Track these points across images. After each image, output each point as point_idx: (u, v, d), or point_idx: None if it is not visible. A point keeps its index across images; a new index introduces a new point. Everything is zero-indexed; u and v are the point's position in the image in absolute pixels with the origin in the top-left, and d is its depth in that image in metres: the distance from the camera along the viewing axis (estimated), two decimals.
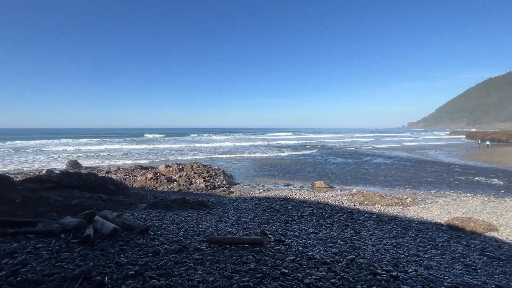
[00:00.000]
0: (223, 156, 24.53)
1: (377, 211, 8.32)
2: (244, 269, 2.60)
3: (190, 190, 11.11)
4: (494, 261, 3.90)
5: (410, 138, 61.56)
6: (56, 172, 12.13)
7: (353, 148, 33.99)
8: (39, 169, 16.09)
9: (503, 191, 11.66)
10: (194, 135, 68.66)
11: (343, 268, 2.74)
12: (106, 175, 13.57)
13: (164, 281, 2.32)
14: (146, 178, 12.02)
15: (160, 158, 23.06)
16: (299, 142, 45.68)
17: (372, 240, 4.53)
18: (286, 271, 2.60)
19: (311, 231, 4.77)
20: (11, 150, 26.76)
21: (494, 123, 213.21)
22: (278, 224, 5.28)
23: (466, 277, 2.94)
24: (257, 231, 4.33)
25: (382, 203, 9.58)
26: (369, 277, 2.57)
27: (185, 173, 13.22)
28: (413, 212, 8.48)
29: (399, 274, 2.66)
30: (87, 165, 18.00)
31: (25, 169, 16.32)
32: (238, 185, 12.65)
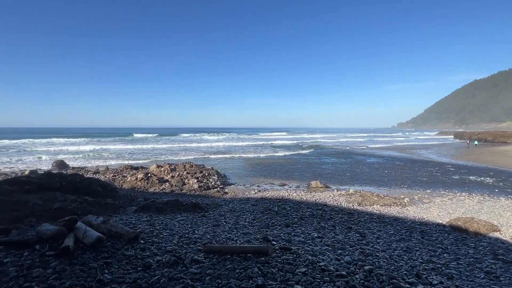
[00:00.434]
0: (216, 156, 24.04)
1: (377, 212, 8.11)
2: (251, 286, 2.24)
3: (183, 191, 10.65)
4: (511, 266, 3.70)
5: (402, 138, 62.48)
6: (40, 173, 11.42)
7: (348, 148, 34.05)
8: (22, 169, 15.22)
9: (497, 190, 11.72)
10: (186, 134, 67.51)
11: (362, 281, 2.43)
12: (94, 175, 12.92)
13: None
14: (136, 179, 11.47)
15: (150, 158, 22.39)
16: (293, 142, 45.51)
17: (381, 244, 4.26)
18: (299, 287, 2.27)
19: (315, 235, 4.45)
20: None
21: (479, 123, 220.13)
22: (279, 227, 4.94)
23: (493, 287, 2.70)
24: (258, 236, 3.98)
25: (381, 203, 9.41)
26: None
27: (177, 173, 12.72)
28: (413, 212, 8.32)
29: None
30: (74, 165, 17.20)
31: (6, 169, 15.41)
32: (232, 186, 12.27)
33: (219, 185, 11.61)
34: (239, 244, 3.43)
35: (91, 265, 2.43)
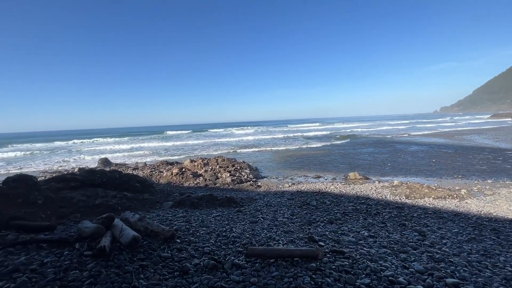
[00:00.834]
0: (246, 150, 23.94)
1: (431, 206, 7.18)
2: None
3: (217, 185, 10.62)
4: None
5: (451, 123, 55.88)
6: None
7: (389, 137, 31.52)
8: (73, 168, 16.63)
9: None
10: (215, 130, 68.96)
11: None
12: (134, 171, 13.59)
13: None
14: (172, 174, 11.75)
15: (184, 154, 23.08)
16: (326, 132, 43.60)
17: (448, 246, 3.58)
18: None
19: (366, 234, 3.91)
20: (45, 151, 28.43)
21: None
22: (322, 224, 4.48)
23: None
24: (301, 235, 3.58)
25: (433, 196, 8.37)
26: None
27: (210, 167, 12.79)
28: (475, 206, 7.20)
29: None
30: (116, 162, 18.37)
31: (59, 168, 16.97)
32: (265, 179, 11.97)
33: (251, 179, 11.39)
34: (282, 245, 3.07)
35: (126, 268, 2.26)
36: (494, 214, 6.33)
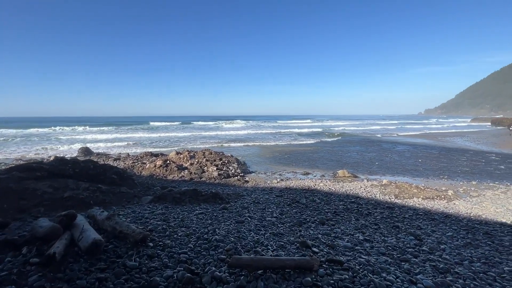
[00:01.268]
0: (235, 144, 23.45)
1: (421, 207, 7.07)
2: None
3: (202, 179, 10.14)
4: None
5: (437, 126, 57.20)
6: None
7: (379, 136, 31.83)
8: (50, 156, 15.56)
9: None
10: (203, 122, 67.63)
11: None
12: (115, 162, 12.83)
13: None
14: (155, 166, 11.14)
15: (170, 146, 22.30)
16: (316, 129, 43.60)
17: (447, 252, 3.35)
18: None
19: (361, 237, 3.62)
20: (21, 138, 26.75)
21: None
22: (313, 225, 4.16)
23: None
24: (292, 238, 3.23)
25: (422, 196, 8.31)
26: None
27: (196, 160, 12.26)
28: (463, 208, 7.16)
29: None
30: (98, 152, 17.41)
31: (35, 156, 15.84)
32: (253, 174, 11.60)
33: (239, 173, 10.98)
34: (272, 251, 2.69)
35: (78, 283, 1.81)
36: (483, 216, 6.27)
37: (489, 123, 59.08)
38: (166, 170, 10.83)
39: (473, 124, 66.40)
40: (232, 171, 11.14)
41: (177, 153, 13.15)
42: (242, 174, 10.97)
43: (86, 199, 5.02)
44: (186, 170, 10.96)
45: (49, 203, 4.68)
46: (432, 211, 6.53)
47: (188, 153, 13.04)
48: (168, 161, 11.69)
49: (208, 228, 3.30)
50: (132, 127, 47.96)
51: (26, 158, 14.60)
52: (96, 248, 2.26)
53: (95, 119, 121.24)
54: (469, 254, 3.34)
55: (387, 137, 30.19)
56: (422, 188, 9.22)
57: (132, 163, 12.34)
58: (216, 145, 22.81)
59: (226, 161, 12.55)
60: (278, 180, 10.19)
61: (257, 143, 23.84)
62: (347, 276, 2.18)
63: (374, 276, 2.22)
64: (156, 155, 14.71)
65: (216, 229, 3.25)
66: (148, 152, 15.53)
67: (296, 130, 41.01)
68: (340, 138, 29.53)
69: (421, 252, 3.23)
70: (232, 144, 23.17)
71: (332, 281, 2.08)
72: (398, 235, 4.08)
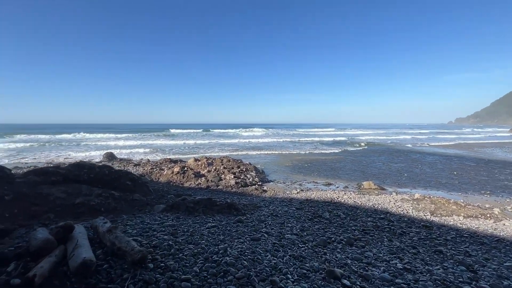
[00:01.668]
0: (254, 152, 23.12)
1: (464, 227, 6.17)
2: None
3: (219, 187, 9.84)
4: None
5: (474, 135, 52.21)
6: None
7: (410, 146, 29.81)
8: (77, 160, 16.20)
9: None
10: (223, 130, 68.44)
11: None
12: (135, 167, 13.00)
13: None
14: (172, 172, 11.06)
15: (189, 152, 22.50)
16: (339, 138, 42.16)
17: None
18: None
19: (399, 265, 3.02)
20: (52, 144, 28.44)
21: None
22: (340, 246, 3.60)
23: None
24: (316, 264, 2.74)
25: (463, 214, 7.33)
26: None
27: (214, 167, 12.04)
28: None
29: None
30: (122, 158, 17.91)
31: (65, 160, 16.58)
32: (271, 183, 11.11)
33: (257, 182, 10.56)
34: (292, 282, 2.22)
35: None
36: None
37: None
38: (183, 177, 10.69)
39: (510, 134, 60.76)
40: (250, 180, 10.74)
41: (195, 160, 13.05)
42: (260, 183, 10.53)
43: (97, 206, 4.86)
44: (203, 178, 10.74)
45: (59, 209, 4.57)
46: (479, 233, 5.64)
47: (206, 160, 12.88)
48: (185, 168, 11.58)
49: (219, 247, 2.90)
50: (154, 133, 49.60)
51: (55, 162, 15.29)
52: (85, 269, 1.95)
53: (120, 126, 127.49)
54: None
55: (417, 147, 28.24)
56: (462, 204, 8.18)
57: (150, 169, 12.40)
58: (234, 152, 22.63)
59: (244, 169, 12.20)
60: (298, 190, 9.62)
61: (276, 151, 23.32)
62: None
63: None
64: (175, 161, 14.76)
65: (228, 248, 2.85)
66: (167, 158, 15.66)
67: (317, 139, 39.79)
68: (366, 147, 28.07)
69: None
70: (251, 152, 22.86)
71: None
72: (444, 264, 3.41)
